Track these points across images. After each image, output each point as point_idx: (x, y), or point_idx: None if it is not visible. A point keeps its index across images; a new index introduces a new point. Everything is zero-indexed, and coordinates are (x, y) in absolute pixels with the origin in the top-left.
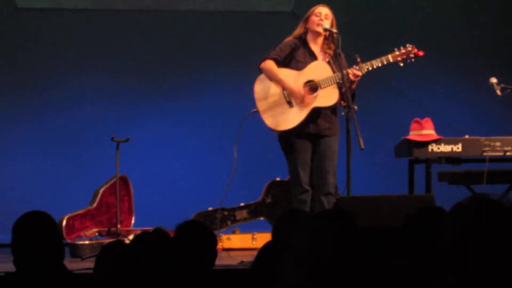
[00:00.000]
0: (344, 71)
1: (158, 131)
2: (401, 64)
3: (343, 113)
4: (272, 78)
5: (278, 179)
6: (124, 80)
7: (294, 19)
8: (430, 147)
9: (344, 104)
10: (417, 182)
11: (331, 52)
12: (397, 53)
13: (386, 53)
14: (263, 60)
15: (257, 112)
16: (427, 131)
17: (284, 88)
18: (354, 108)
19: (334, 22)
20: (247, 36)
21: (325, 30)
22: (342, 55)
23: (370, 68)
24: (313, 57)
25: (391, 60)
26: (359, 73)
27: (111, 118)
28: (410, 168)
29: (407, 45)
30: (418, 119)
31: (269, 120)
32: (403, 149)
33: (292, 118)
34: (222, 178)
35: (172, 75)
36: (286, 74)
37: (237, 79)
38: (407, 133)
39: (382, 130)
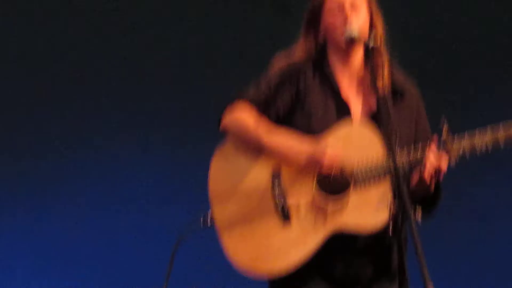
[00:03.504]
0: (418, 154)
1: None
2: None
3: (391, 234)
4: (250, 144)
5: None
6: None
7: (277, 16)
8: None
9: (393, 211)
10: None
11: (384, 90)
12: None
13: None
14: (229, 103)
15: (211, 223)
16: None
17: (283, 167)
18: (417, 221)
19: (376, 11)
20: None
21: (350, 39)
22: (409, 98)
23: (468, 151)
24: (342, 104)
25: None
26: (443, 164)
27: None
28: None
29: None
30: None
31: (236, 249)
32: None
33: (287, 247)
34: None
35: None
36: (289, 138)
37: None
38: None
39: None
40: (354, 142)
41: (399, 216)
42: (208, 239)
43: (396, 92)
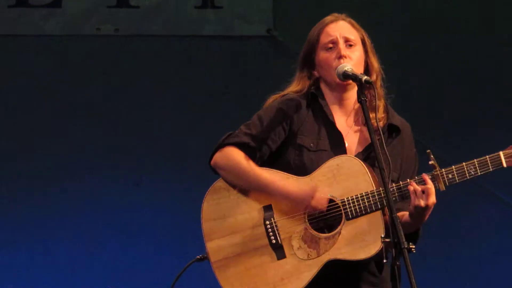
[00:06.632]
0: (399, 184)
1: None
2: None
3: (385, 261)
4: (242, 182)
5: None
6: None
7: (273, 45)
8: None
9: (387, 239)
10: None
11: (378, 123)
12: None
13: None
14: (219, 146)
15: (207, 260)
16: None
17: (273, 202)
18: (410, 249)
19: (370, 48)
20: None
21: (345, 76)
22: (404, 137)
23: (457, 180)
24: (336, 135)
25: (504, 162)
26: (431, 192)
27: None
28: None
29: None
30: None
31: (232, 285)
32: None
33: (283, 280)
34: None
35: None
36: (278, 178)
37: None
38: None
39: None
40: (344, 173)
41: (392, 243)
42: (205, 275)
43: (392, 128)
